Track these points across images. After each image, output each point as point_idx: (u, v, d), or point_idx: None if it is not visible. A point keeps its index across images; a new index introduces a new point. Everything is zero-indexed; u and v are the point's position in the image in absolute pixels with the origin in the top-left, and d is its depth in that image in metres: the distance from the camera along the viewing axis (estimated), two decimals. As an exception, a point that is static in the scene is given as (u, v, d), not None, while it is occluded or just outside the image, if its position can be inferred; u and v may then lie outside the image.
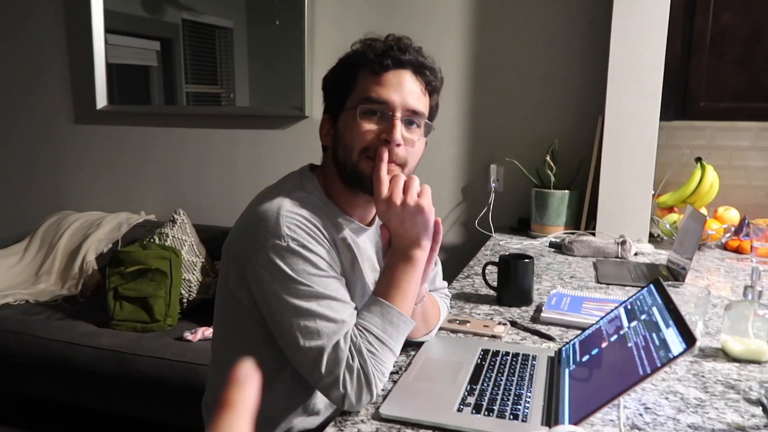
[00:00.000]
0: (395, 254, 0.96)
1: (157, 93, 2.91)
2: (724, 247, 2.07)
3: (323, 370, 0.86)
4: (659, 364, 0.79)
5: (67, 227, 2.82)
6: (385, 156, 0.95)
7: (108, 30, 2.88)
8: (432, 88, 1.01)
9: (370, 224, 1.08)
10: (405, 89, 0.97)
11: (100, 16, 2.85)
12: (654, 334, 0.87)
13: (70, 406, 2.29)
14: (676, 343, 0.81)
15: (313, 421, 1.05)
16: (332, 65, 1.04)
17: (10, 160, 3.21)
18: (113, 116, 2.97)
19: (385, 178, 0.95)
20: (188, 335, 2.10)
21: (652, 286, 1.01)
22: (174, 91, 2.87)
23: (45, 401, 2.35)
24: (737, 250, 2.02)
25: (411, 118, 0.98)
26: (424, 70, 0.99)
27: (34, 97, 3.10)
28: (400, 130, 0.96)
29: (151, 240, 2.47)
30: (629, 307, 1.02)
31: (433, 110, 1.04)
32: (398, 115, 0.96)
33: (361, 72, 0.98)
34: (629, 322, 0.97)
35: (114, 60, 2.92)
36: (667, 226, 2.11)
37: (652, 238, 2.15)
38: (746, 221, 2.04)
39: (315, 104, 2.63)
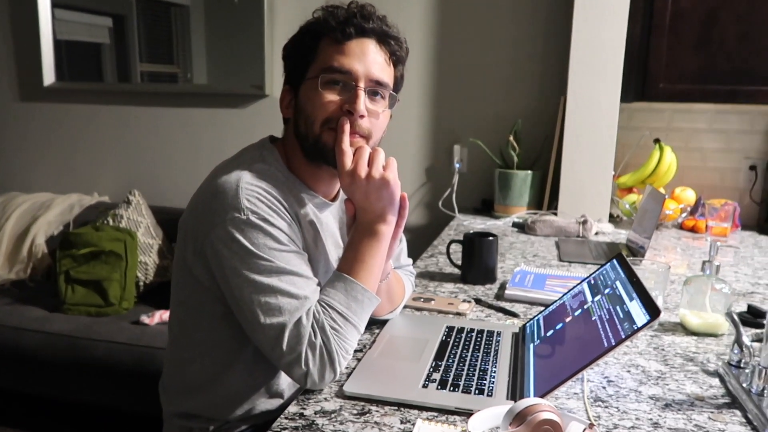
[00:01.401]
0: (360, 229, 0.93)
1: (110, 71, 2.79)
2: (681, 226, 2.11)
3: (284, 347, 0.83)
4: (623, 336, 0.79)
5: (15, 209, 2.69)
6: (347, 127, 0.92)
7: (56, 4, 2.74)
8: (396, 59, 0.98)
9: (333, 199, 1.05)
10: (368, 59, 0.94)
11: (47, -11, 2.71)
12: (618, 307, 0.87)
13: (20, 395, 2.20)
14: (640, 314, 0.81)
15: (276, 403, 1.02)
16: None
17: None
18: (62, 93, 2.84)
19: (348, 150, 0.92)
20: (145, 319, 2.03)
21: (615, 261, 1.01)
22: (128, 70, 2.76)
23: (-7, 390, 2.25)
24: (693, 230, 2.07)
25: (375, 88, 0.95)
26: (388, 39, 0.96)
27: (-23, 72, 2.93)
28: (363, 101, 0.93)
29: (105, 222, 2.38)
30: (593, 282, 1.03)
31: (398, 81, 1.01)
32: (361, 85, 0.93)
33: (323, 40, 0.94)
34: (593, 296, 0.97)
35: (63, 36, 2.78)
36: (627, 206, 2.15)
37: (612, 218, 2.19)
38: (701, 201, 2.09)
39: (276, 83, 2.56)
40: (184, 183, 2.74)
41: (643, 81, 2.08)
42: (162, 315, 2.06)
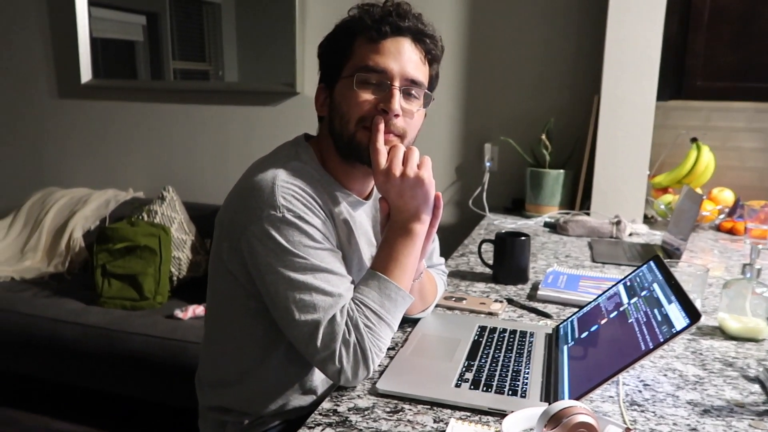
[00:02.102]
0: (394, 228, 0.93)
1: (144, 69, 2.84)
2: (718, 228, 2.06)
3: (319, 344, 0.84)
4: (662, 339, 0.78)
5: (53, 204, 2.77)
6: (382, 126, 0.92)
7: (92, 3, 2.80)
8: (432, 57, 0.98)
9: (367, 197, 1.05)
10: (404, 57, 0.93)
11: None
12: (655, 310, 0.85)
13: (57, 384, 2.27)
14: (678, 318, 0.79)
15: (309, 399, 1.03)
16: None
17: (-7, 135, 3.14)
18: (99, 91, 2.90)
19: (382, 149, 0.92)
20: (179, 313, 2.07)
21: (652, 263, 0.99)
22: (161, 67, 2.81)
23: (31, 379, 2.32)
24: (731, 232, 2.01)
25: (410, 87, 0.95)
26: (423, 38, 0.95)
27: (16, 71, 3.01)
28: (398, 101, 0.93)
29: (140, 217, 2.43)
30: (629, 283, 1.01)
31: (433, 80, 1.01)
32: (397, 84, 0.93)
33: (358, 39, 0.94)
34: (629, 298, 0.96)
35: (99, 34, 2.84)
36: (662, 206, 2.11)
37: (647, 219, 2.15)
38: (740, 203, 2.04)
39: (307, 80, 2.58)
40: (216, 179, 2.78)
41: (680, 79, 2.04)
42: (195, 310, 2.09)
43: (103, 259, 2.25)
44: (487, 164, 2.40)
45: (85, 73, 2.86)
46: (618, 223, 1.89)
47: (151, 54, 2.81)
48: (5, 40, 3.00)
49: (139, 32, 2.82)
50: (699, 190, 2.12)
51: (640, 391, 0.87)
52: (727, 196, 2.11)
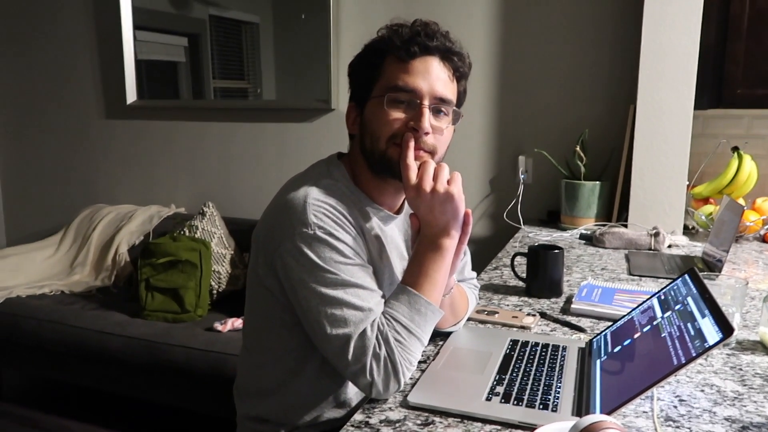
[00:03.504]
0: (424, 243, 0.95)
1: (186, 88, 2.94)
2: (763, 239, 2.00)
3: (350, 357, 0.86)
4: (694, 354, 0.77)
5: (100, 220, 2.88)
6: (412, 143, 0.94)
7: (136, 26, 2.92)
8: (460, 74, 1.00)
9: (398, 212, 1.08)
10: (432, 76, 0.96)
11: (129, 13, 2.89)
12: (689, 324, 0.84)
13: (102, 393, 2.35)
14: (711, 332, 0.78)
15: (343, 411, 1.05)
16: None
17: (44, 155, 3.29)
18: (143, 111, 3.02)
19: (413, 164, 0.94)
20: (218, 326, 2.12)
21: (686, 276, 0.98)
22: (202, 87, 2.90)
23: (78, 388, 2.41)
24: (776, 243, 1.95)
25: (439, 105, 0.97)
26: (451, 56, 0.97)
27: (66, 93, 3.17)
28: (428, 119, 0.95)
29: (182, 232, 2.50)
30: (663, 297, 1.00)
31: (461, 96, 1.02)
32: (426, 103, 0.95)
33: (388, 59, 0.97)
34: (663, 312, 0.95)
35: (143, 56, 2.97)
36: (703, 217, 2.06)
37: (687, 230, 2.10)
38: (785, 212, 1.97)
39: (341, 97, 2.63)
40: (255, 194, 2.85)
41: (719, 87, 2.00)
42: (234, 322, 2.14)
43: (147, 273, 2.33)
44: (522, 176, 2.39)
45: (131, 95, 2.98)
46: (656, 234, 1.85)
47: (193, 74, 2.91)
48: (57, 63, 3.15)
49: (181, 53, 2.92)
50: (742, 200, 2.07)
51: (675, 407, 0.86)
52: (771, 206, 2.04)
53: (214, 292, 2.41)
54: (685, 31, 1.93)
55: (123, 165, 3.12)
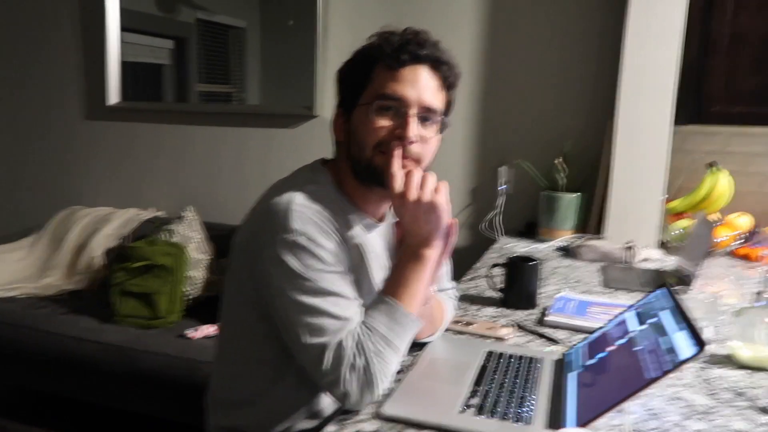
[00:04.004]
0: (406, 252, 0.95)
1: (169, 91, 2.92)
2: (733, 254, 2.04)
3: (325, 367, 0.85)
4: (667, 368, 0.78)
5: (77, 222, 2.83)
6: (398, 151, 0.94)
7: (123, 28, 2.89)
8: (449, 84, 1.00)
9: (381, 220, 1.07)
10: (421, 85, 0.96)
11: (116, 15, 2.86)
12: (662, 338, 0.86)
13: (72, 401, 2.30)
14: (684, 347, 0.79)
15: (315, 422, 1.04)
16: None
17: (20, 155, 3.23)
18: (124, 113, 2.98)
19: (398, 173, 0.93)
20: (189, 333, 2.09)
21: (660, 291, 1.00)
22: (186, 90, 2.88)
23: (46, 395, 2.36)
24: (746, 258, 1.99)
25: (426, 114, 0.97)
26: (441, 65, 0.98)
27: (46, 93, 3.11)
28: (414, 128, 0.95)
29: (159, 236, 2.47)
30: (637, 311, 1.01)
31: (449, 106, 1.02)
32: (413, 112, 0.95)
33: (377, 66, 0.97)
34: (637, 325, 0.96)
35: (128, 58, 2.93)
36: (676, 232, 2.09)
37: (662, 244, 2.13)
38: (758, 229, 2.01)
39: (325, 104, 2.62)
40: (236, 199, 2.83)
41: (698, 103, 2.03)
42: (206, 330, 2.11)
43: (121, 277, 2.29)
44: (502, 187, 2.40)
45: (113, 96, 2.93)
46: (630, 248, 1.88)
47: (178, 76, 2.89)
48: (39, 62, 3.10)
49: (167, 56, 2.90)
50: (717, 215, 2.11)
51: (646, 420, 0.87)
52: (744, 222, 2.08)
53: (189, 297, 2.38)
54: (666, 47, 1.97)
55: (103, 167, 3.08)
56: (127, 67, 2.93)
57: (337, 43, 2.57)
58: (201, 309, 2.38)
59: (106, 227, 2.77)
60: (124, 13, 2.86)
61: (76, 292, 2.60)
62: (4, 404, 2.47)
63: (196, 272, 2.41)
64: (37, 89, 3.13)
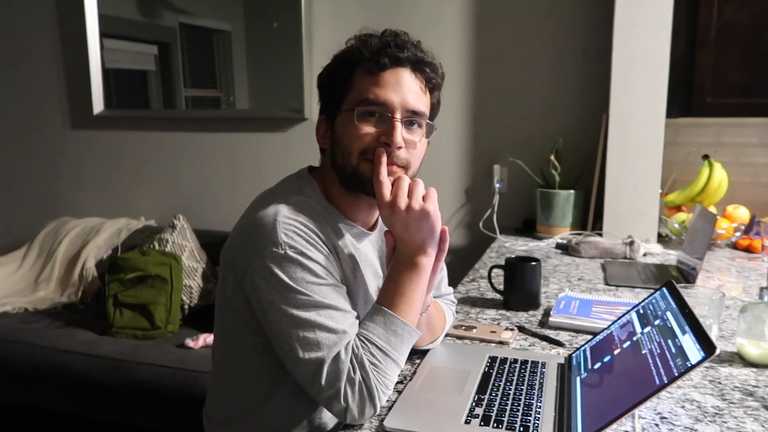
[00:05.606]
0: (399, 261, 0.92)
1: (156, 97, 2.88)
2: (734, 246, 2.02)
3: (323, 382, 0.83)
4: (676, 373, 0.75)
5: (66, 234, 2.79)
6: (384, 158, 0.91)
7: (104, 34, 2.85)
8: (432, 86, 0.97)
9: (372, 228, 1.04)
10: (404, 88, 0.93)
11: (95, 20, 2.81)
12: (669, 341, 0.83)
13: (68, 416, 2.25)
14: (693, 350, 0.77)
15: (317, 436, 1.01)
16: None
17: (5, 166, 3.18)
18: (111, 121, 2.94)
19: (386, 181, 0.91)
20: (189, 342, 2.06)
21: (665, 290, 0.97)
22: (173, 95, 2.84)
23: (42, 411, 2.31)
24: (748, 249, 1.97)
25: (411, 118, 0.94)
26: (423, 67, 0.95)
27: (29, 103, 3.06)
28: (400, 133, 0.92)
29: (151, 246, 2.43)
30: (642, 311, 0.99)
31: (435, 108, 1.00)
32: (398, 116, 0.92)
33: (357, 71, 0.94)
34: (642, 327, 0.93)
35: (111, 65, 2.89)
36: (676, 225, 2.07)
37: (661, 238, 2.11)
38: (756, 219, 2.00)
39: (314, 106, 2.59)
40: (227, 206, 2.79)
41: (689, 96, 2.03)
42: (206, 338, 2.08)
43: (115, 289, 2.26)
44: (497, 186, 2.38)
45: (98, 104, 2.90)
46: (631, 243, 1.86)
47: (164, 82, 2.84)
48: (19, 72, 3.05)
49: (151, 62, 2.86)
50: (713, 208, 2.09)
51: (656, 425, 0.85)
52: (742, 213, 2.07)
53: (186, 307, 2.35)
54: (656, 41, 1.95)
55: (90, 177, 3.03)
56: (110, 74, 2.89)
57: (322, 43, 2.54)
58: (199, 318, 2.35)
59: (96, 238, 2.72)
60: (105, 19, 2.82)
61: (69, 305, 2.56)
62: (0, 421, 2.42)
63: (192, 281, 2.38)
64: (20, 100, 3.08)
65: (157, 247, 2.42)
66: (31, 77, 3.03)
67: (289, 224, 0.88)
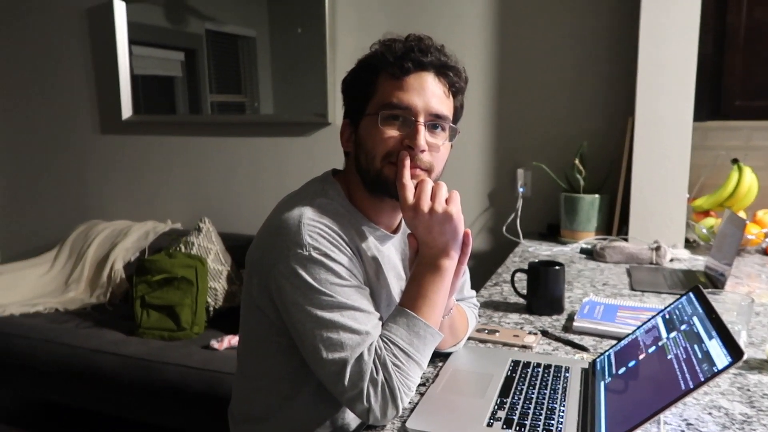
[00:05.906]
0: (422, 263, 0.92)
1: (182, 103, 2.93)
2: (765, 252, 1.98)
3: (346, 383, 0.83)
4: (703, 379, 0.74)
5: (96, 236, 2.85)
6: (408, 161, 0.92)
7: (133, 41, 2.91)
8: (456, 90, 0.98)
9: (395, 231, 1.05)
10: (427, 92, 0.93)
11: (124, 28, 2.89)
12: (696, 346, 0.82)
13: (97, 415, 2.31)
14: (720, 355, 0.76)
15: (341, 436, 1.02)
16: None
17: (38, 170, 3.27)
18: (139, 126, 3.01)
19: (409, 184, 0.91)
20: (215, 344, 2.09)
21: (691, 294, 0.96)
22: (199, 101, 2.89)
23: (71, 409, 2.37)
24: (778, 255, 1.93)
25: (434, 122, 0.95)
26: (446, 71, 0.95)
27: (61, 109, 3.15)
28: (423, 136, 0.93)
29: (177, 248, 2.48)
30: (667, 316, 0.97)
31: (458, 112, 1.00)
32: (421, 120, 0.93)
33: (381, 75, 0.95)
34: (668, 332, 0.92)
35: (140, 71, 2.96)
36: (704, 230, 2.04)
37: (688, 244, 2.08)
38: (787, 225, 1.95)
39: (338, 111, 2.61)
40: (251, 210, 2.83)
41: (717, 99, 1.99)
42: (231, 340, 2.11)
43: (142, 290, 2.30)
44: (520, 190, 2.37)
45: (126, 110, 2.97)
46: (657, 248, 1.83)
47: (190, 88, 2.90)
48: (51, 79, 3.14)
49: (178, 68, 2.91)
50: (742, 213, 2.05)
51: (683, 431, 0.83)
52: (773, 219, 2.02)
53: (211, 309, 2.38)
54: (683, 43, 1.93)
55: (118, 181, 3.10)
56: (138, 80, 2.95)
57: (346, 49, 2.56)
58: (224, 319, 2.38)
59: (124, 240, 2.78)
60: (133, 26, 2.89)
61: (98, 306, 2.62)
62: (29, 418, 2.48)
63: (217, 283, 2.41)
64: (52, 106, 3.17)
65: (183, 249, 2.47)
66: (62, 84, 3.12)
67: (314, 226, 0.89)
